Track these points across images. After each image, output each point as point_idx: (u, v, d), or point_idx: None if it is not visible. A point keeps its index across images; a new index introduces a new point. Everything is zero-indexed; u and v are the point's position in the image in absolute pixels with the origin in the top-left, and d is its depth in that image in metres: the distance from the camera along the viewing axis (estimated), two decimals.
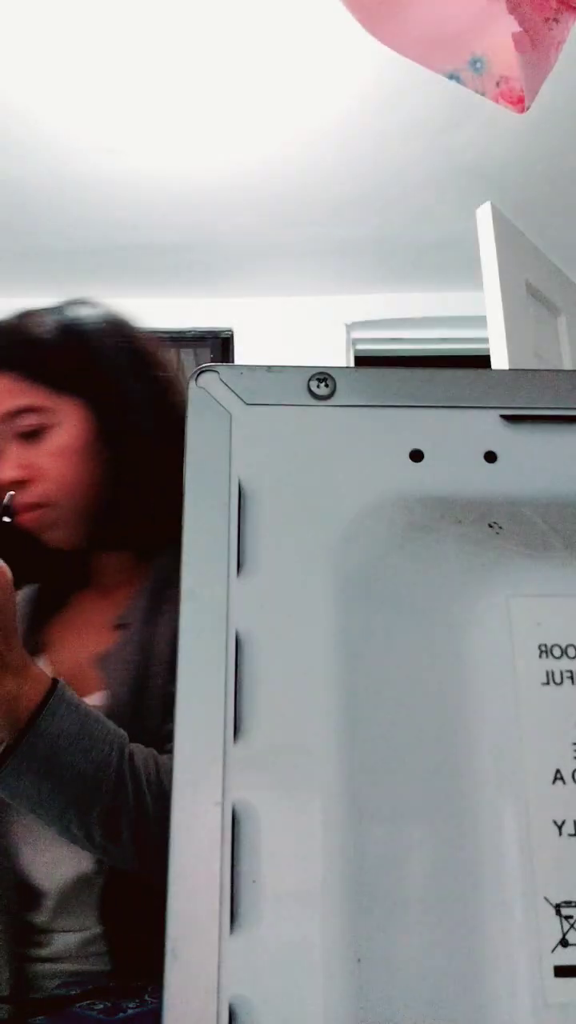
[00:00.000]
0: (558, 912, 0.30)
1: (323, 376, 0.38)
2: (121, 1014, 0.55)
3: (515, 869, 0.31)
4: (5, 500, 0.68)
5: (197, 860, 0.31)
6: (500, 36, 0.78)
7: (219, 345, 2.80)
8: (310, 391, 0.38)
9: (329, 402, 0.38)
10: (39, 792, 0.56)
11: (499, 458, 0.37)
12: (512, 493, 0.37)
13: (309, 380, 0.38)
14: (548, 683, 0.33)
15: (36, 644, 0.75)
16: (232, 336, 2.80)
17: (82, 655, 0.72)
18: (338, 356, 2.76)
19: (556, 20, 0.79)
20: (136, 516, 0.75)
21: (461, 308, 2.74)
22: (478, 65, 0.81)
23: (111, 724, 0.60)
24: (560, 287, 2.35)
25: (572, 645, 0.33)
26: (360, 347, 2.86)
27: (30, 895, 0.65)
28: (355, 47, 1.81)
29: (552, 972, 0.29)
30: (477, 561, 0.35)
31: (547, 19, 0.79)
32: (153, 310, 2.93)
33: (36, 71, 1.89)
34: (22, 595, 0.79)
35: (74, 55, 1.85)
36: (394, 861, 0.31)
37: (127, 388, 0.76)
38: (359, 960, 0.30)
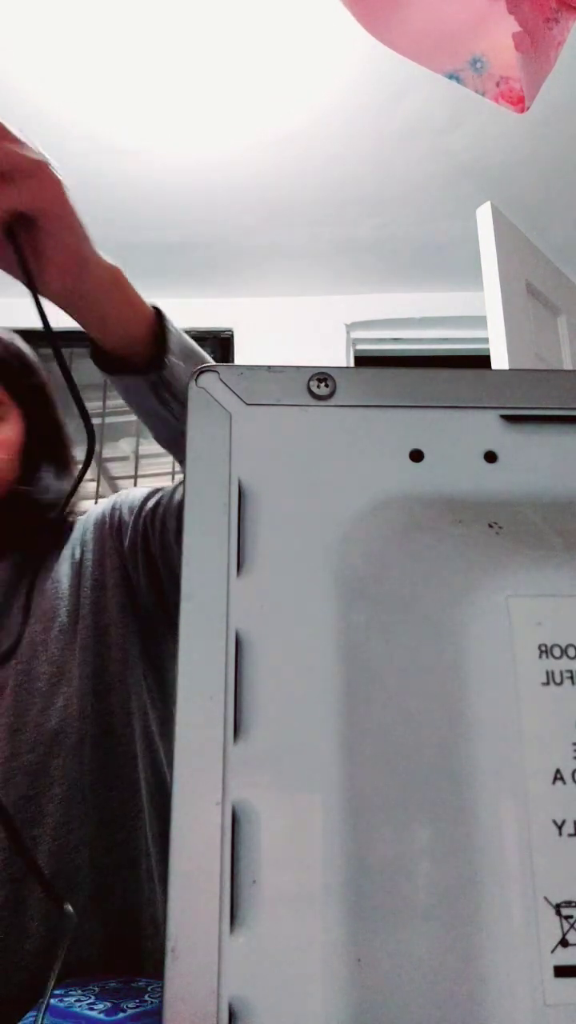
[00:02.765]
0: (558, 912, 0.30)
1: (323, 376, 0.38)
2: (121, 1014, 0.55)
3: (515, 869, 0.31)
4: None
5: (197, 860, 0.31)
6: (500, 36, 0.78)
7: (219, 345, 2.80)
8: (310, 391, 0.38)
9: (329, 402, 0.38)
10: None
11: (499, 458, 0.37)
12: (512, 493, 0.37)
13: (309, 380, 0.38)
14: (548, 683, 0.33)
15: None
16: (232, 336, 2.80)
17: None
18: (338, 356, 2.76)
19: (556, 20, 0.79)
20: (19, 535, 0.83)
21: (461, 308, 2.74)
22: (478, 65, 0.81)
23: None
24: (560, 287, 2.35)
25: (572, 645, 0.33)
26: (360, 347, 2.86)
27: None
28: (355, 47, 1.81)
29: (552, 972, 0.29)
30: (477, 561, 0.35)
31: (547, 19, 0.79)
32: None
33: (37, 70, 1.89)
34: None
35: (78, 55, 1.85)
36: (394, 861, 0.31)
37: (51, 411, 0.87)
38: (359, 960, 0.30)
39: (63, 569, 0.82)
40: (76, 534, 0.86)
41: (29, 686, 0.74)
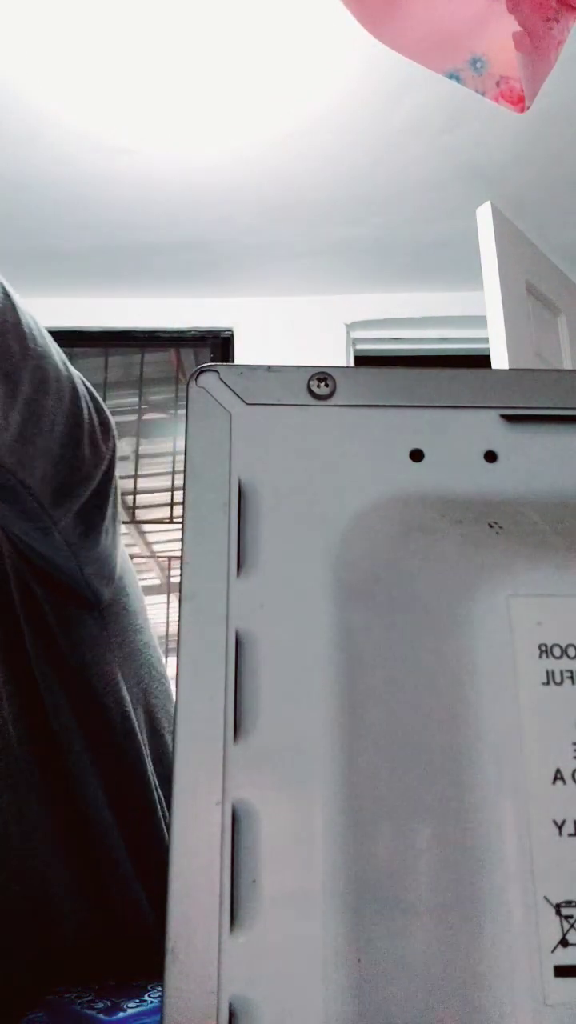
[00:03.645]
0: (558, 912, 0.30)
1: (323, 376, 0.38)
2: (121, 1013, 0.55)
3: (515, 869, 0.31)
4: None
5: (197, 860, 0.31)
6: (500, 36, 0.78)
7: (219, 345, 2.80)
8: (310, 391, 0.38)
9: (329, 402, 0.38)
10: None
11: (499, 458, 0.37)
12: (512, 493, 0.37)
13: (309, 380, 0.38)
14: (548, 683, 0.33)
15: None
16: (232, 336, 2.80)
17: None
18: (338, 356, 2.76)
19: (556, 20, 0.79)
20: None
21: (461, 308, 2.74)
22: (478, 65, 0.81)
23: None
24: (560, 287, 2.35)
25: (572, 645, 0.33)
26: (360, 347, 2.86)
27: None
28: (354, 47, 1.81)
29: (552, 972, 0.29)
30: (477, 561, 0.35)
31: (547, 19, 0.79)
32: (153, 310, 2.94)
33: (38, 70, 1.89)
34: None
35: (78, 54, 1.85)
36: (394, 861, 0.31)
37: None
38: (359, 960, 0.30)
39: None
40: None
41: None
